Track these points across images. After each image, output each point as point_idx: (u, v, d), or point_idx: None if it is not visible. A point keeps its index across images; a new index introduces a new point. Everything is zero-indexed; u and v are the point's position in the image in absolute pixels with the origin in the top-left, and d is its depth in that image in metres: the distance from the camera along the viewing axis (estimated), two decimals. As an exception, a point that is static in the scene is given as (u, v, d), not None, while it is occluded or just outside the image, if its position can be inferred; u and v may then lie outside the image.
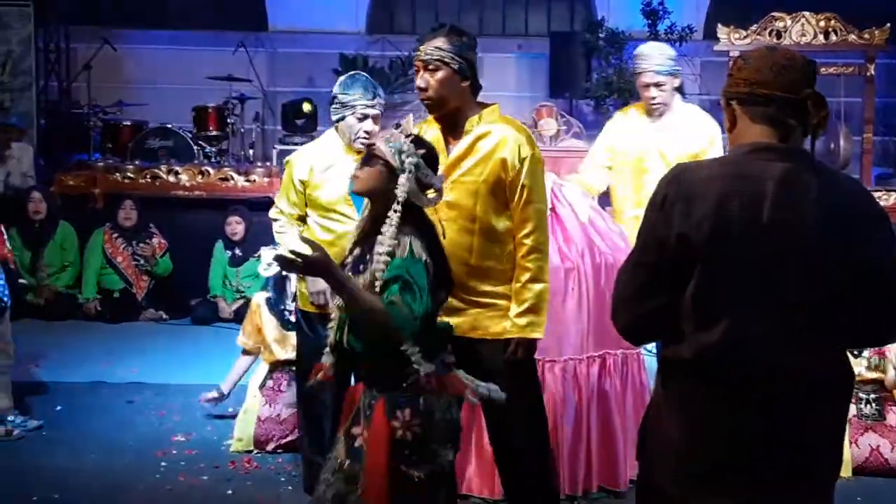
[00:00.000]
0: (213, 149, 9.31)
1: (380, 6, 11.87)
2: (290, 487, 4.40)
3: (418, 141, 3.01)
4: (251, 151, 9.88)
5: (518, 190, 3.36)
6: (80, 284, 7.58)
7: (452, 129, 3.45)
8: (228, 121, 9.49)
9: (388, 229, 2.84)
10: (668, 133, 4.83)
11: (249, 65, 10.14)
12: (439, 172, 3.15)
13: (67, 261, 7.67)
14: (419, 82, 3.36)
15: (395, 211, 2.85)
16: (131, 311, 7.50)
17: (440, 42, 3.30)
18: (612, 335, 4.14)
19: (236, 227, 7.55)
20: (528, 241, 3.37)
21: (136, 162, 8.79)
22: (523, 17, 12.08)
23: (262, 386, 4.93)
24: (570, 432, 4.13)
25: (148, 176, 8.52)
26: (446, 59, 3.29)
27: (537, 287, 3.36)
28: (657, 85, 4.78)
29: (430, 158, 3.00)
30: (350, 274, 2.88)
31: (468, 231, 3.39)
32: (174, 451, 4.79)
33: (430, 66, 3.30)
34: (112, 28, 10.58)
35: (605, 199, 5.34)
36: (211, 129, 9.31)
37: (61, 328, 6.92)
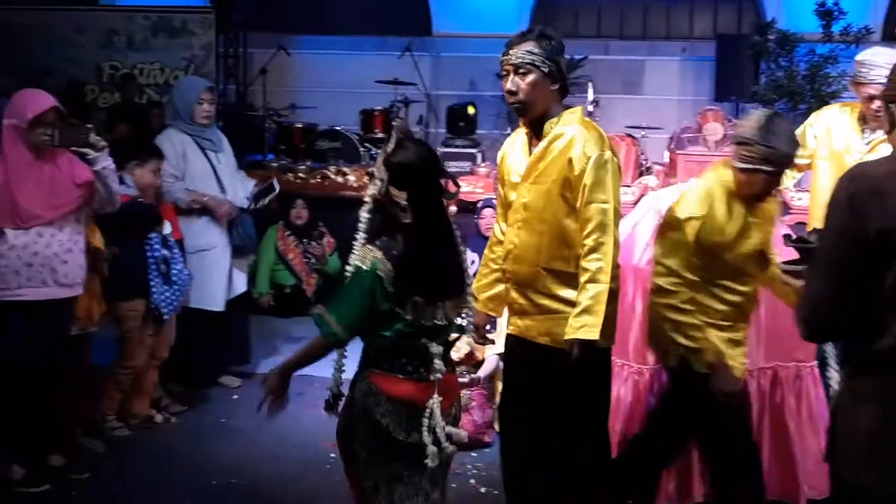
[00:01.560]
0: (379, 150, 9.55)
1: (542, 10, 11.90)
2: (454, 485, 4.50)
3: (400, 146, 2.91)
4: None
5: (581, 189, 3.30)
6: (255, 279, 7.93)
7: (538, 132, 3.45)
8: (393, 123, 9.71)
9: (357, 236, 2.87)
10: (881, 142, 4.37)
11: (414, 69, 10.37)
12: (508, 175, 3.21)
13: (242, 257, 8.02)
14: (509, 86, 3.36)
15: (362, 219, 2.88)
16: (301, 306, 7.76)
17: (530, 46, 3.30)
18: (784, 347, 4.08)
19: (407, 227, 7.70)
20: (588, 242, 3.30)
21: (308, 163, 9.08)
22: (688, 19, 11.87)
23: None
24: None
25: (318, 176, 8.77)
26: (537, 63, 3.30)
27: (594, 288, 3.27)
28: None
29: (409, 167, 2.87)
30: None
31: (538, 232, 3.39)
32: (342, 444, 4.97)
33: (521, 70, 3.31)
34: (286, 34, 11.02)
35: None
36: (377, 131, 9.58)
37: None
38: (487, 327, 3.90)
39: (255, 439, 5.04)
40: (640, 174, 8.97)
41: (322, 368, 5.79)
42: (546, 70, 3.31)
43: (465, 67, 11.47)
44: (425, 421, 2.86)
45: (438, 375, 2.90)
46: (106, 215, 4.57)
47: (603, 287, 3.27)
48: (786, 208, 6.97)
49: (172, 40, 10.18)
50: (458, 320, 3.01)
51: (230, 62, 10.97)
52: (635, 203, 7.78)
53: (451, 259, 2.98)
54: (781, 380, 4.12)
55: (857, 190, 2.18)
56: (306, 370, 6.21)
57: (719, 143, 8.30)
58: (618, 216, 3.37)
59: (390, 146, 2.91)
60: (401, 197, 2.84)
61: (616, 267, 3.45)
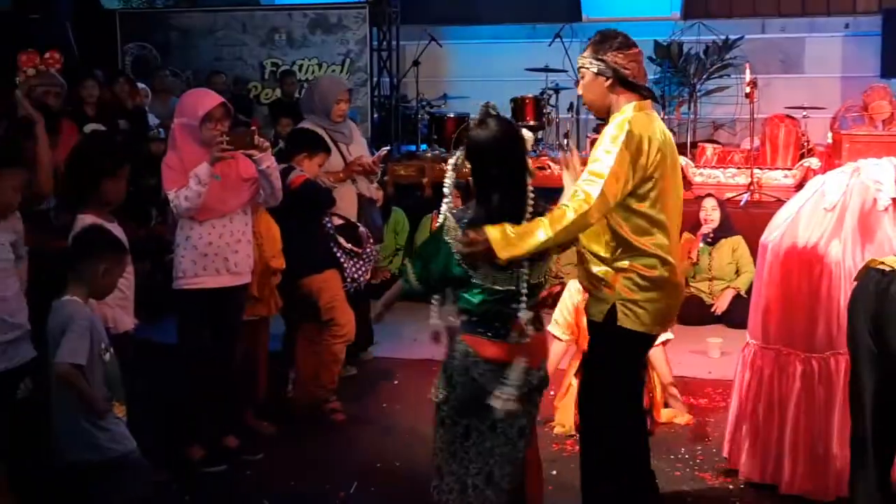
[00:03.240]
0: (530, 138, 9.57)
1: (695, -10, 11.64)
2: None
3: (480, 124, 3.21)
4: (566, 141, 10.05)
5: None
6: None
7: None
8: (544, 111, 9.73)
9: (442, 205, 3.20)
10: None
11: (564, 55, 10.32)
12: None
13: (399, 245, 8.19)
14: (579, 90, 3.65)
15: (444, 190, 3.19)
16: (455, 292, 7.87)
17: (585, 51, 3.55)
18: None
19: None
20: (571, 198, 3.34)
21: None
22: (851, -7, 11.37)
23: (578, 372, 5.05)
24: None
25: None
26: (586, 65, 3.55)
27: (539, 227, 3.15)
28: None
29: (479, 144, 3.16)
30: None
31: None
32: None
33: (580, 75, 3.59)
34: (437, 25, 11.15)
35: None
36: (528, 119, 9.58)
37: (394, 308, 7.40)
38: None
39: (416, 424, 5.15)
40: (801, 156, 8.69)
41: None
42: (595, 69, 3.51)
43: (615, 52, 11.31)
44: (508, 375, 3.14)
45: (527, 339, 3.16)
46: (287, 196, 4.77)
47: (545, 236, 3.16)
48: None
49: (329, 36, 10.47)
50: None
51: (383, 55, 11.18)
52: (797, 187, 7.56)
53: None
54: None
55: None
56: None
57: (887, 121, 7.94)
58: (609, 194, 3.35)
59: (473, 123, 3.23)
60: (468, 168, 3.18)
61: (667, 263, 3.56)
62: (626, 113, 3.51)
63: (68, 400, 3.36)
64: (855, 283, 3.48)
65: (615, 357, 3.66)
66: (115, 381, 3.49)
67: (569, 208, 3.27)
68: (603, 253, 3.57)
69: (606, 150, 3.41)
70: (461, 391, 3.19)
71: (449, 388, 3.22)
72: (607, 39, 3.53)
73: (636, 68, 3.53)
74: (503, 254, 3.09)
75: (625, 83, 3.53)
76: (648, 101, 3.59)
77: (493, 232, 3.09)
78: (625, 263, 3.53)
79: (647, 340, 3.74)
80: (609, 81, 3.52)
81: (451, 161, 3.23)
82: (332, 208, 5.31)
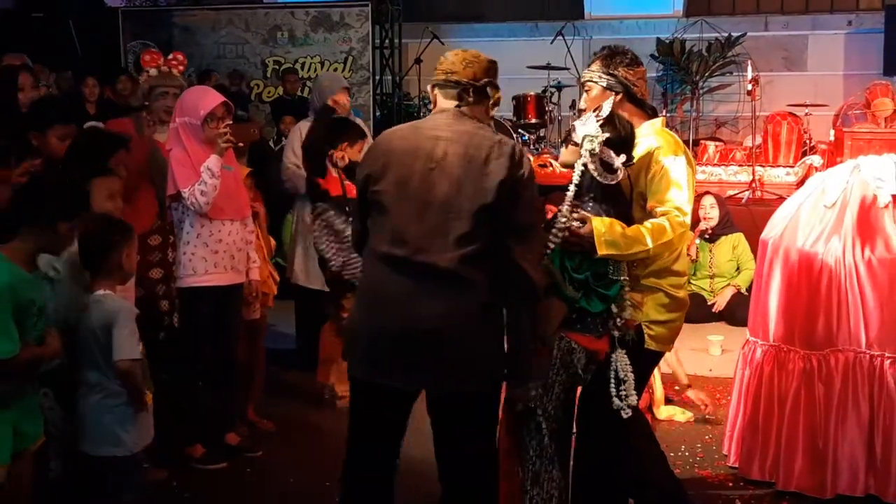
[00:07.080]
0: (532, 136, 9.58)
1: (697, -12, 11.64)
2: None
3: (609, 123, 3.17)
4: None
5: None
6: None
7: None
8: (546, 109, 9.72)
9: (565, 205, 3.14)
10: None
11: (567, 53, 10.32)
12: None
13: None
14: (580, 104, 3.60)
15: (571, 188, 3.16)
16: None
17: (593, 65, 3.51)
18: None
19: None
20: None
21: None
22: (855, -10, 11.36)
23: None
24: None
25: (472, 164, 8.85)
26: (594, 79, 3.49)
27: (642, 236, 3.19)
28: None
29: (619, 141, 3.15)
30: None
31: None
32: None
33: (585, 88, 3.53)
34: (439, 23, 11.16)
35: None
36: (530, 116, 9.57)
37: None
38: None
39: (415, 421, 5.15)
40: (804, 154, 8.69)
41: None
42: (604, 84, 3.46)
43: (618, 49, 11.31)
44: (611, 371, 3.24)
45: (616, 333, 3.23)
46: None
47: (647, 245, 3.20)
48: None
49: (331, 34, 10.49)
50: None
51: (386, 53, 11.18)
52: (799, 184, 7.55)
53: None
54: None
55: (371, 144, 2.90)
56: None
57: (889, 119, 7.94)
58: (691, 211, 3.38)
59: (605, 114, 3.18)
60: (616, 159, 3.12)
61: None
62: (658, 128, 3.47)
63: (101, 394, 3.34)
64: None
65: (638, 379, 3.47)
66: (146, 371, 3.48)
67: (667, 223, 3.23)
68: (634, 269, 3.41)
69: (676, 166, 3.33)
70: (558, 389, 3.18)
71: (546, 390, 3.18)
72: (617, 55, 3.48)
73: (644, 86, 3.51)
74: (603, 249, 3.11)
75: (633, 100, 3.49)
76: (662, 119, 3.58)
77: (598, 225, 3.11)
78: (653, 282, 3.42)
79: (659, 359, 3.69)
80: (619, 97, 3.45)
81: (588, 147, 3.12)
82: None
